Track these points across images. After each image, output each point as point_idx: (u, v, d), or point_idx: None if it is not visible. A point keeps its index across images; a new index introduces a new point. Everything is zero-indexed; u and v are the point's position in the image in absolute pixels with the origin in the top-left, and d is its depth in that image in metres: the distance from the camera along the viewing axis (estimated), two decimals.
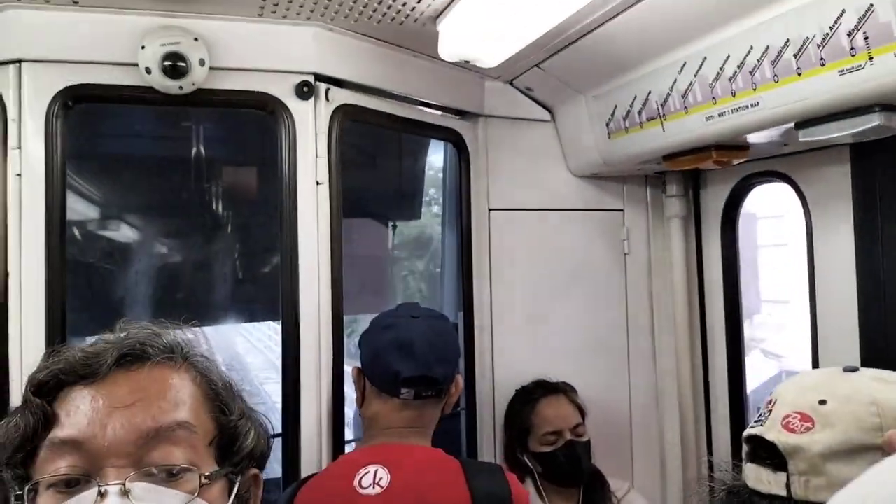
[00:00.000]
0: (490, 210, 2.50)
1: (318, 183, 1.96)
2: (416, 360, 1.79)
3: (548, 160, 2.57)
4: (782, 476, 0.94)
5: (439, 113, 2.42)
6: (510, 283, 2.51)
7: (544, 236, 2.57)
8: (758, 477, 0.98)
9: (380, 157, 3.30)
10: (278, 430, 1.91)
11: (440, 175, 3.04)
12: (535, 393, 2.38)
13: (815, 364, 2.06)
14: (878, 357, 1.85)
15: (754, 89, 1.69)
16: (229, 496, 0.91)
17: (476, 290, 2.43)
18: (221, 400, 0.94)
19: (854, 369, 1.00)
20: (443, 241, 3.13)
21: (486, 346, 2.46)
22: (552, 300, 2.56)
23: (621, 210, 2.65)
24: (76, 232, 3.17)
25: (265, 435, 1.00)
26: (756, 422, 1.03)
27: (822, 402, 0.95)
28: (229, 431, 0.93)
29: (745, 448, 1.04)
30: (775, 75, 1.63)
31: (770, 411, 1.00)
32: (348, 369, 1.99)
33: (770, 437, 0.97)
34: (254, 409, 1.01)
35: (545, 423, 2.30)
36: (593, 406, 2.39)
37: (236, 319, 3.49)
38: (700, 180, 2.58)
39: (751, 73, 1.69)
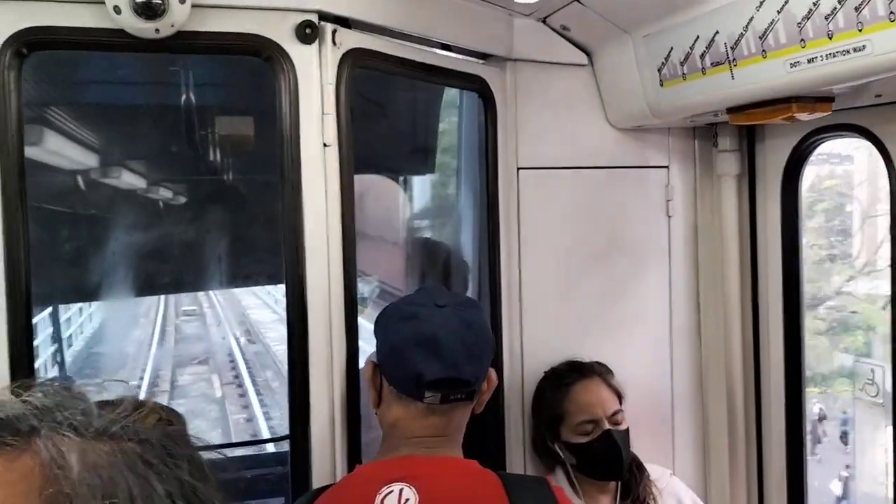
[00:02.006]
0: (519, 169, 2.20)
1: (325, 145, 1.65)
2: (442, 359, 1.52)
3: (583, 111, 2.26)
4: None
5: (461, 57, 2.09)
6: (541, 251, 2.23)
7: (579, 198, 2.28)
8: None
9: (388, 105, 2.98)
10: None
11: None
12: (567, 376, 2.13)
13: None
14: None
15: (860, 30, 1.37)
16: None
17: (503, 260, 2.15)
18: (69, 497, 0.59)
19: None
20: (458, 205, 2.84)
21: (514, 322, 2.20)
22: (587, 270, 2.28)
23: (665, 167, 2.35)
24: (57, 189, 2.90)
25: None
26: None
27: None
28: None
29: None
30: (891, 13, 1.31)
31: None
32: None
33: None
34: (196, 493, 0.67)
35: (580, 411, 2.06)
36: (631, 388, 2.14)
37: (240, 283, 3.22)
38: (756, 133, 2.27)
39: (856, 9, 1.37)
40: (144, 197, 3.12)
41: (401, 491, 1.45)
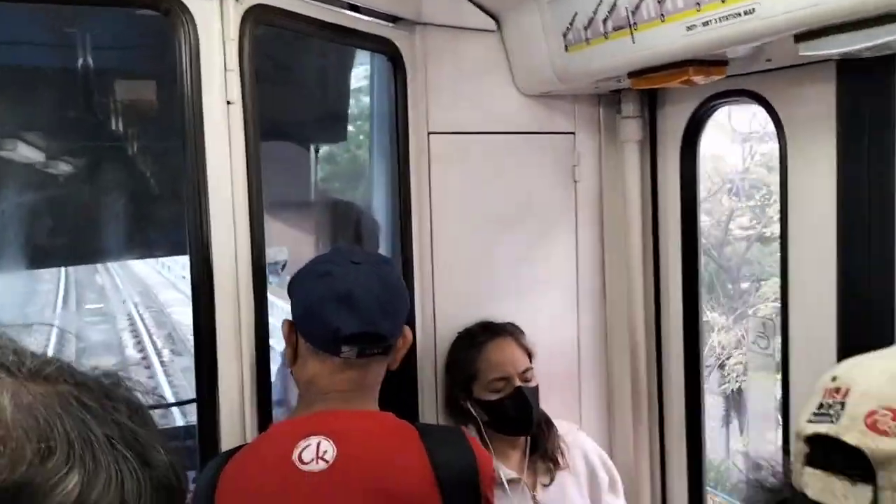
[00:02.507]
0: (430, 134, 2.21)
1: (228, 103, 1.61)
2: (358, 314, 1.52)
3: (493, 77, 2.28)
4: (866, 490, 0.74)
5: (370, 19, 2.07)
6: (452, 215, 2.25)
7: (489, 163, 2.30)
8: (826, 488, 0.78)
9: (298, 71, 2.92)
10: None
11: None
12: (480, 336, 2.18)
13: (785, 316, 1.90)
14: (856, 305, 1.71)
15: None
16: None
17: (416, 224, 2.16)
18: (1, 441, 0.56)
19: None
20: (371, 170, 2.83)
21: (426, 285, 2.22)
22: (497, 234, 2.32)
23: (572, 133, 2.40)
24: None
25: (149, 480, 0.62)
26: (818, 415, 0.81)
27: None
28: (12, 494, 0.55)
29: (798, 446, 0.83)
30: None
31: (842, 404, 0.79)
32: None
33: (851, 439, 0.76)
34: (135, 437, 0.63)
35: (492, 369, 2.11)
36: (540, 347, 2.20)
37: (139, 255, 3.11)
38: (657, 100, 2.35)
39: None
40: (39, 164, 2.97)
41: (318, 444, 1.46)
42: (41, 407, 0.58)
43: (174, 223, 2.59)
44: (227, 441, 1.63)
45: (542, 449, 2.18)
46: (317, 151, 3.34)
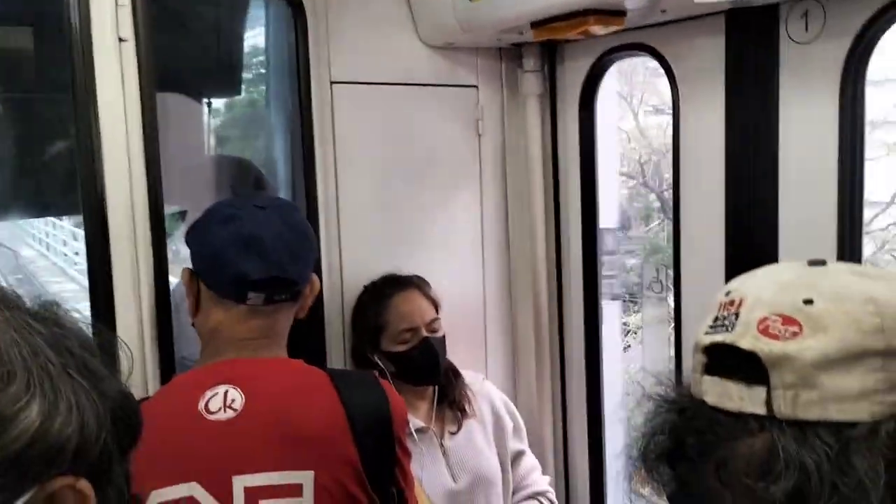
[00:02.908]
0: (332, 83, 2.17)
1: (120, 40, 1.52)
2: (265, 258, 1.48)
3: (396, 26, 2.25)
4: (760, 391, 0.80)
5: None
6: (357, 168, 2.23)
7: (394, 115, 2.29)
8: (724, 392, 0.83)
9: (188, 17, 2.78)
10: None
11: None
12: (386, 288, 2.18)
13: (677, 252, 2.01)
14: (741, 240, 1.82)
15: None
16: None
17: (320, 177, 2.13)
18: None
19: (822, 262, 0.87)
20: (269, 122, 2.76)
21: (332, 238, 2.19)
22: (403, 187, 2.32)
23: (475, 86, 2.42)
24: None
25: (107, 410, 0.60)
26: (714, 327, 0.87)
27: (808, 302, 0.80)
28: None
29: (697, 358, 0.89)
30: None
31: (736, 314, 0.84)
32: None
33: (745, 344, 0.81)
34: (88, 367, 0.61)
35: (400, 320, 2.12)
36: (446, 300, 2.23)
37: (19, 215, 2.91)
38: (557, 55, 2.40)
39: None
40: None
41: (226, 392, 1.42)
42: None
43: (65, 180, 2.43)
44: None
45: (450, 398, 2.22)
46: (209, 105, 3.21)
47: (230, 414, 1.42)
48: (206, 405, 1.42)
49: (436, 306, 2.18)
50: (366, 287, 2.22)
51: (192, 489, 1.38)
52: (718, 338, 0.85)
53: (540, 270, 2.45)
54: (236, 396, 1.43)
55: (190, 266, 1.57)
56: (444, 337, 2.16)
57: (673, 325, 2.02)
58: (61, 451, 0.56)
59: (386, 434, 1.51)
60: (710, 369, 0.86)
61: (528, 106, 2.40)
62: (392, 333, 2.11)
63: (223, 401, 1.43)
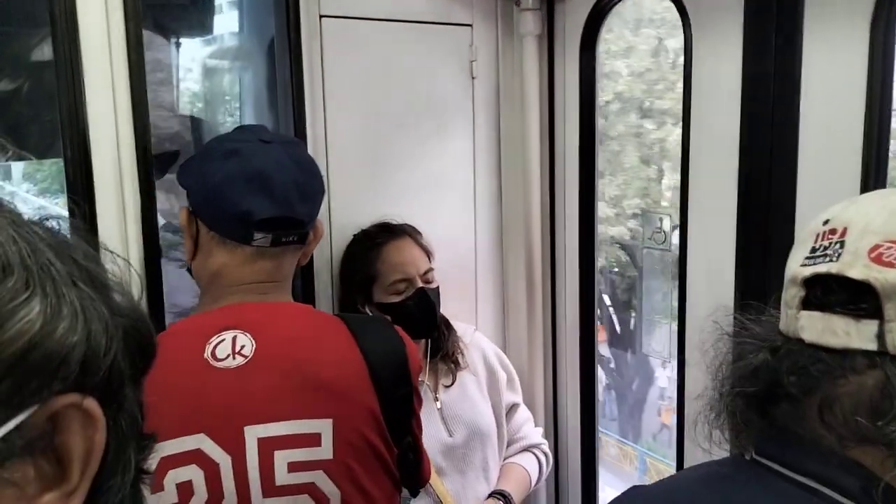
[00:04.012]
0: (321, 17, 2.02)
1: None
2: (273, 196, 1.36)
3: None
4: (870, 325, 0.73)
5: None
6: (347, 109, 2.10)
7: (383, 53, 2.15)
8: (826, 328, 0.76)
9: None
10: None
11: None
12: (378, 237, 2.08)
13: (685, 210, 1.94)
14: (755, 200, 1.75)
15: None
16: None
17: (308, 118, 1.99)
18: None
19: None
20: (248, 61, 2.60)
21: None
22: (394, 131, 2.20)
23: (469, 25, 2.29)
24: None
25: (118, 328, 0.52)
26: (813, 257, 0.79)
27: None
28: None
29: (792, 292, 0.81)
30: None
31: (841, 242, 0.77)
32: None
33: (855, 274, 0.74)
34: (96, 278, 0.53)
35: (393, 270, 2.03)
36: (437, 249, 2.14)
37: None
38: None
39: None
40: None
41: (234, 338, 1.31)
42: None
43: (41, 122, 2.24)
44: None
45: (443, 351, 2.15)
46: (178, 45, 3.01)
47: (239, 360, 1.31)
48: (213, 352, 1.31)
49: (429, 256, 2.10)
50: (355, 236, 2.12)
51: (201, 442, 1.28)
52: (822, 269, 0.78)
53: (534, 219, 2.37)
54: (245, 342, 1.33)
55: (188, 206, 1.45)
56: (438, 287, 2.08)
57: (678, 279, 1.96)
58: (65, 362, 0.48)
59: (405, 381, 1.43)
60: (808, 304, 0.79)
61: (525, 46, 2.29)
62: (385, 284, 2.02)
63: (231, 347, 1.32)
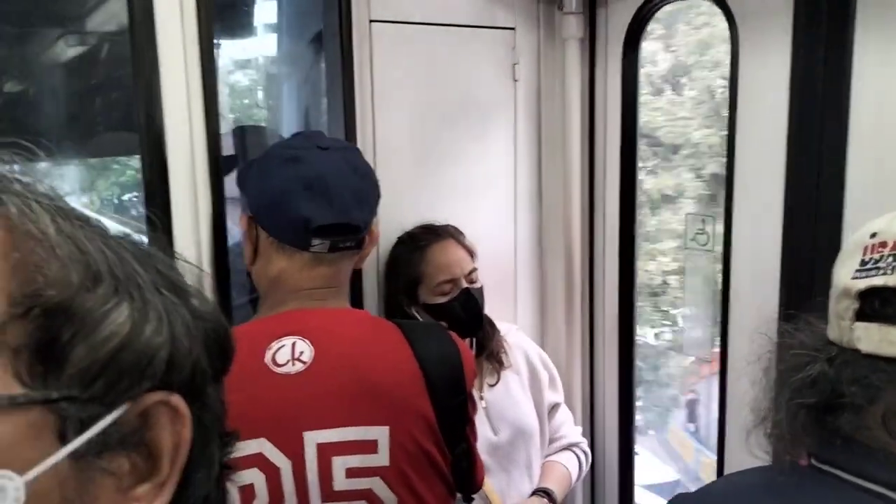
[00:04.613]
0: (371, 22, 2.05)
1: None
2: (331, 202, 1.40)
3: None
4: None
5: None
6: (394, 111, 2.13)
7: (430, 56, 2.19)
8: (884, 338, 0.79)
9: None
10: None
11: None
12: (422, 239, 2.11)
13: (729, 210, 1.95)
14: (803, 208, 1.76)
15: None
16: (63, 441, 0.48)
17: (359, 121, 2.03)
18: (44, 262, 0.48)
19: None
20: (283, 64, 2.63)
21: None
22: (438, 132, 2.23)
23: (512, 29, 2.32)
24: None
25: (199, 331, 0.56)
26: (866, 269, 0.82)
27: None
28: (59, 320, 0.48)
29: (845, 304, 0.84)
30: None
31: (893, 255, 0.79)
32: None
33: None
34: (177, 285, 0.57)
35: (438, 272, 2.06)
36: (478, 248, 2.17)
37: (73, 155, 2.70)
38: None
39: None
40: None
41: (293, 344, 1.35)
42: (83, 238, 0.51)
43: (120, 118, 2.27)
44: None
45: (488, 350, 2.18)
46: (217, 46, 3.05)
47: (299, 367, 1.35)
48: (274, 357, 1.36)
49: (472, 256, 2.13)
50: (400, 238, 2.15)
51: (262, 445, 1.32)
52: (878, 281, 0.81)
53: (574, 220, 2.40)
54: (305, 348, 1.37)
55: (248, 212, 1.49)
56: (482, 287, 2.11)
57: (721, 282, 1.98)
58: (152, 362, 0.52)
59: (459, 388, 1.46)
60: (863, 315, 0.82)
61: (567, 50, 2.31)
62: (431, 285, 2.06)
63: (291, 353, 1.36)
